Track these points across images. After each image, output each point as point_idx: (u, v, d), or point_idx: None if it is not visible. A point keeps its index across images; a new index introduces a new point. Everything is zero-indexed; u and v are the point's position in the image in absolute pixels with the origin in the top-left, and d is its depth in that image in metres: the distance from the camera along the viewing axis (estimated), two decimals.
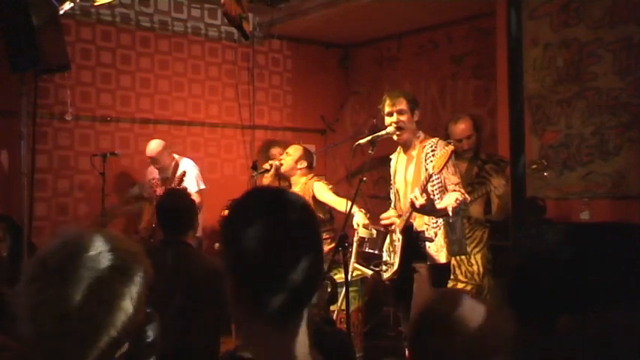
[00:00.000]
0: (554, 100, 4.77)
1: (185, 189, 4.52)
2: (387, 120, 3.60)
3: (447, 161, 3.25)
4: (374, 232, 4.14)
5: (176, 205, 3.37)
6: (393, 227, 3.61)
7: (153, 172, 5.44)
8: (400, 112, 3.56)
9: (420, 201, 3.17)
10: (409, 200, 3.27)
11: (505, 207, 4.14)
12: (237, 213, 1.20)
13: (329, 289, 2.69)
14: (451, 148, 3.25)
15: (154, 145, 5.27)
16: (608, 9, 4.46)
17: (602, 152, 4.49)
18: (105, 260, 1.20)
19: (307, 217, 1.18)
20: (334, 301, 3.86)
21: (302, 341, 1.16)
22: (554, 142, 4.77)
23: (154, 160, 5.28)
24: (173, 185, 4.87)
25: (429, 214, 3.42)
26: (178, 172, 4.98)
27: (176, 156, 5.42)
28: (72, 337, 1.15)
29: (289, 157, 4.84)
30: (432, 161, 3.40)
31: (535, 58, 4.85)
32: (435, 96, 6.44)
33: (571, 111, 4.69)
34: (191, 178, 5.17)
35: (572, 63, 4.67)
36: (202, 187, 5.26)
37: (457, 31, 6.22)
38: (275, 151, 5.72)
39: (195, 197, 4.99)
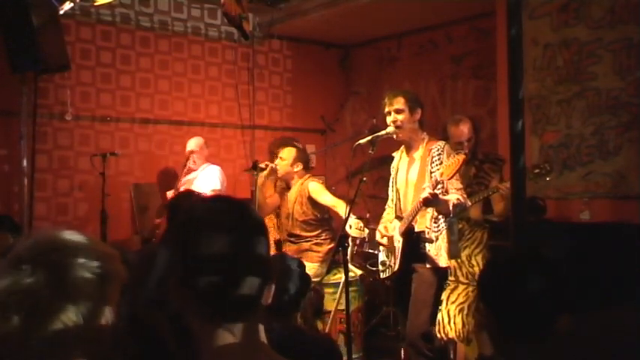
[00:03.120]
0: (554, 100, 4.77)
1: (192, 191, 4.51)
2: (387, 120, 3.61)
3: (458, 170, 3.25)
4: (366, 231, 4.15)
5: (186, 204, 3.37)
6: (391, 241, 3.61)
7: (187, 176, 5.45)
8: (397, 112, 3.56)
9: (425, 195, 3.22)
10: (421, 199, 3.30)
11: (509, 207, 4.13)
12: (198, 221, 1.23)
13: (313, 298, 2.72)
14: (462, 157, 3.25)
15: (194, 141, 5.37)
16: (608, 9, 4.46)
17: (602, 152, 4.49)
18: (79, 259, 1.19)
19: (264, 236, 1.25)
20: (319, 313, 3.87)
21: (254, 350, 1.21)
22: (554, 142, 4.77)
23: (191, 154, 5.30)
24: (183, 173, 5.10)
25: (434, 206, 3.43)
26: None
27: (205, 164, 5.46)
28: (40, 335, 1.13)
29: (284, 161, 4.76)
30: (438, 166, 3.40)
31: (535, 58, 4.85)
32: (435, 96, 6.44)
33: (571, 111, 4.68)
34: (213, 176, 5.27)
35: (572, 63, 4.67)
36: (218, 187, 5.25)
37: (457, 31, 6.22)
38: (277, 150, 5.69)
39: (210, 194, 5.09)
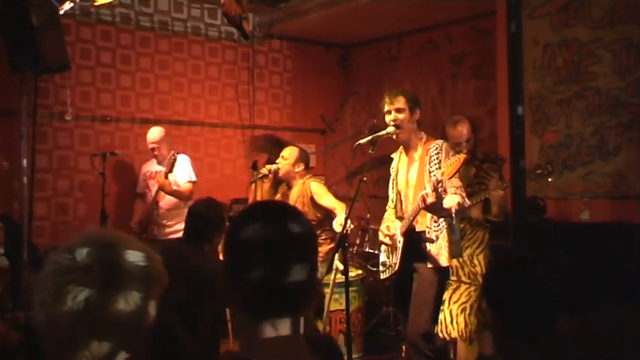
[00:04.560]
0: (554, 100, 4.77)
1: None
2: (386, 119, 3.60)
3: (459, 169, 3.24)
4: (350, 226, 4.14)
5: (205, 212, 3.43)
6: (393, 241, 3.61)
7: (148, 166, 5.39)
8: (398, 111, 3.55)
9: (431, 198, 3.19)
10: (420, 196, 3.28)
11: (504, 210, 4.13)
12: (242, 219, 1.29)
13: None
14: (463, 156, 3.24)
15: (156, 132, 5.26)
16: (608, 9, 4.46)
17: (602, 152, 4.49)
18: (136, 263, 1.23)
19: (308, 231, 1.29)
20: (320, 313, 3.86)
21: (299, 344, 1.24)
22: (554, 142, 4.77)
23: (154, 148, 5.24)
24: (165, 171, 4.93)
25: (435, 213, 3.42)
26: (173, 162, 5.01)
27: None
28: (89, 327, 1.16)
29: (286, 161, 4.76)
30: (437, 165, 3.40)
31: (535, 58, 4.85)
32: (435, 96, 6.44)
33: (571, 111, 4.69)
34: (185, 167, 5.19)
35: (572, 63, 4.68)
36: (194, 178, 5.21)
37: (457, 31, 6.22)
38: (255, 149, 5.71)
39: (188, 186, 5.05)
